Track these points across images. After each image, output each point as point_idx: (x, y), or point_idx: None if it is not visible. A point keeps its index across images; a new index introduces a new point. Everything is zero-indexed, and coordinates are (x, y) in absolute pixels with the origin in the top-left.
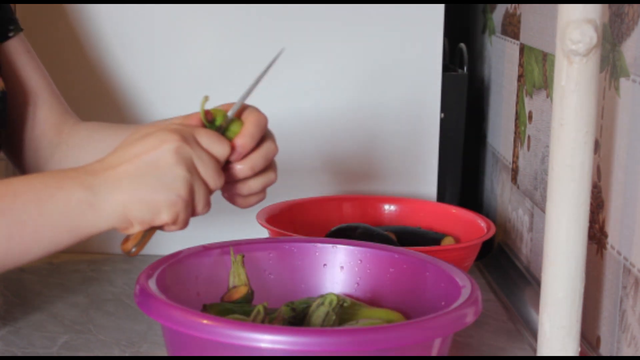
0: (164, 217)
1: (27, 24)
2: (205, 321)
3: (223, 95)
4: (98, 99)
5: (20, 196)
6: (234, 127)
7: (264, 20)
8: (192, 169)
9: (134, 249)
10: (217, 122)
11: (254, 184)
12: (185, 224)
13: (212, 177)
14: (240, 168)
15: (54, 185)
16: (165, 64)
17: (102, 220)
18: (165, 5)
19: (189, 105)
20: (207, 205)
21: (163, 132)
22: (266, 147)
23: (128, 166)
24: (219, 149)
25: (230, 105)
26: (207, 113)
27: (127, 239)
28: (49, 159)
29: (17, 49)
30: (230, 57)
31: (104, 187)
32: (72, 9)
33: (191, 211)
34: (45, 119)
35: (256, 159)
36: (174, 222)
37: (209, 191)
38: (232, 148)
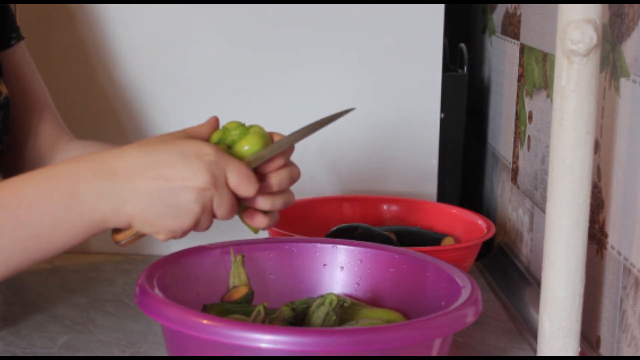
0: (161, 237)
1: (24, 32)
2: (205, 321)
3: (229, 102)
4: (97, 108)
5: (35, 208)
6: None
7: (271, 26)
8: (206, 207)
9: (123, 242)
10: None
11: (277, 202)
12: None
13: (224, 213)
14: (268, 183)
15: (69, 191)
16: (169, 71)
17: (109, 225)
18: (166, 9)
19: (194, 113)
20: (208, 227)
21: (197, 164)
22: (292, 169)
23: (149, 184)
24: (247, 190)
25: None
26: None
27: (120, 230)
28: None
29: (19, 58)
30: (238, 66)
31: (118, 198)
32: (70, 17)
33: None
34: (41, 131)
35: (284, 175)
36: (168, 239)
37: (214, 219)
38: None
